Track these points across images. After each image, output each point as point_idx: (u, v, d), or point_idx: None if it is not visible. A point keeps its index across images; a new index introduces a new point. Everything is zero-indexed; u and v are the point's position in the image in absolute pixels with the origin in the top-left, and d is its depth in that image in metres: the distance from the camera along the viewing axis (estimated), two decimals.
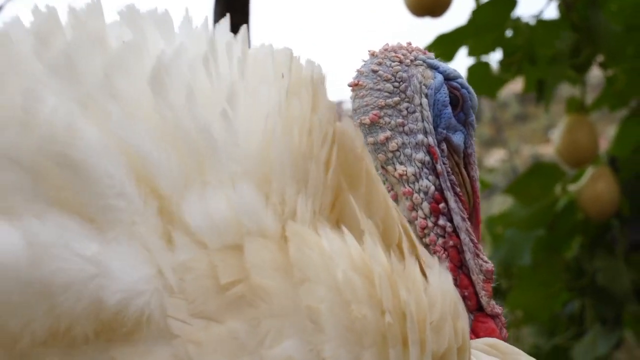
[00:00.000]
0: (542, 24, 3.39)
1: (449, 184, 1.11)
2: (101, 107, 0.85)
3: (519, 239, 3.69)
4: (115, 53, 0.89)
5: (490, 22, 3.39)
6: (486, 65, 3.54)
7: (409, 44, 1.17)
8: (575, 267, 3.75)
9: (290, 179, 0.90)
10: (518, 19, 3.41)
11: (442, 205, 1.10)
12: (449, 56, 3.42)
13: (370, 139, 1.11)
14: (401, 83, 1.12)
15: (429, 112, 1.12)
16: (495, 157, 10.41)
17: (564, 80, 3.56)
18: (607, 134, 5.98)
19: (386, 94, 1.12)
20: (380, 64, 1.13)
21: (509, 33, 3.44)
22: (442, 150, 1.12)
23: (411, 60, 1.14)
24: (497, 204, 7.05)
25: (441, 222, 1.10)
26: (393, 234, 0.94)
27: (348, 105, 1.16)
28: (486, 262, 1.11)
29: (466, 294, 1.10)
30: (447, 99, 1.14)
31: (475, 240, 1.10)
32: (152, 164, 0.85)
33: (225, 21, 0.99)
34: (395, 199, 1.12)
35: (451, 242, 1.10)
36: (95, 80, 0.86)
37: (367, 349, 0.85)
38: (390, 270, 0.89)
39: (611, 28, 3.29)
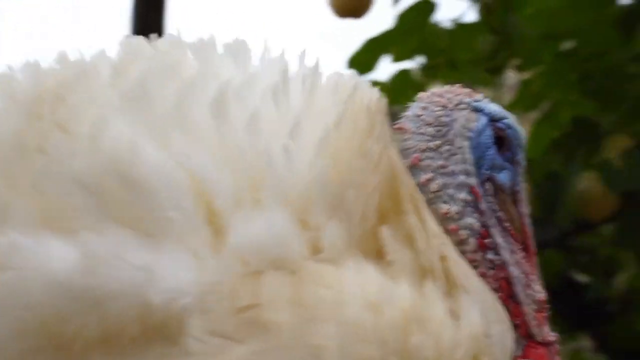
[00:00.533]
0: (461, 27, 3.48)
1: (494, 221, 1.14)
2: (167, 131, 0.92)
3: None
4: (187, 81, 0.96)
5: (413, 27, 3.46)
6: (407, 72, 3.60)
7: (459, 86, 1.22)
8: None
9: (326, 208, 0.94)
10: (437, 24, 3.49)
11: (488, 240, 1.13)
12: (372, 62, 3.48)
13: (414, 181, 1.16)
14: (443, 127, 1.16)
15: (470, 155, 1.16)
16: None
17: (480, 83, 3.65)
18: None
19: (428, 137, 1.16)
20: (424, 108, 1.18)
21: (430, 38, 3.51)
22: (487, 190, 1.16)
23: (455, 105, 1.18)
24: None
25: (489, 256, 1.13)
26: (431, 267, 0.97)
27: None
28: (539, 292, 1.15)
29: (517, 322, 1.13)
30: (491, 140, 1.18)
31: (528, 272, 1.15)
32: (208, 180, 0.92)
33: (305, 54, 1.07)
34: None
35: (501, 275, 1.13)
36: (165, 106, 0.94)
37: None
38: (409, 310, 0.92)
39: (527, 32, 3.40)
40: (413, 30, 3.47)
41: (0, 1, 4.84)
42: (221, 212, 0.91)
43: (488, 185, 1.17)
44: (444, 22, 3.51)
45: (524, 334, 1.13)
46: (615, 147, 3.70)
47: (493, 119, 1.19)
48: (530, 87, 3.62)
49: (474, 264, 1.12)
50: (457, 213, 1.13)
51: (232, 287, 0.89)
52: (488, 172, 1.17)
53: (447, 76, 3.52)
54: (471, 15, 4.00)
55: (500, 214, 1.16)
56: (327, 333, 0.88)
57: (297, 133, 0.95)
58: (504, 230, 1.15)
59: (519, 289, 1.13)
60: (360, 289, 0.91)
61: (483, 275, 1.12)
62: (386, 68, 3.94)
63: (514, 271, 1.13)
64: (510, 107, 3.71)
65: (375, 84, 1.17)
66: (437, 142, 1.15)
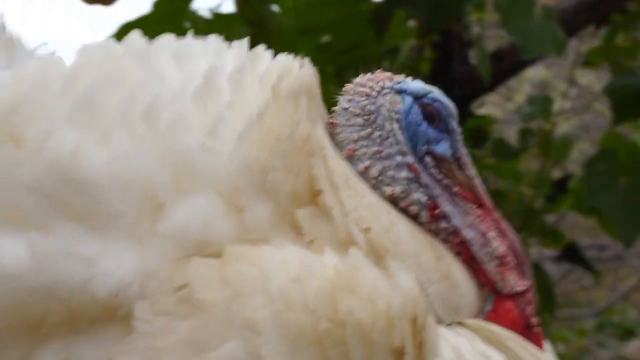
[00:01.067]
0: (218, 17, 3.45)
1: (439, 191, 1.21)
2: (109, 134, 1.04)
3: None
4: (129, 89, 1.07)
5: (171, 14, 3.39)
6: None
7: (380, 72, 1.27)
8: None
9: (251, 191, 1.04)
10: (195, 12, 3.44)
11: (438, 211, 1.20)
12: None
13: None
14: (370, 115, 1.22)
15: (402, 135, 1.22)
16: None
17: None
18: None
19: (358, 127, 1.21)
20: (350, 100, 1.23)
21: (188, 25, 3.45)
22: (427, 163, 1.22)
23: (378, 91, 1.24)
24: None
25: (442, 224, 1.20)
26: (351, 238, 1.07)
27: None
28: (499, 247, 1.20)
29: (483, 281, 1.19)
30: (420, 117, 1.24)
31: (484, 230, 1.21)
32: (145, 175, 1.03)
33: (244, 43, 1.23)
34: None
35: (457, 240, 1.20)
36: (109, 114, 1.05)
37: (303, 350, 0.97)
38: (334, 278, 1.01)
39: (284, 24, 3.42)
40: (172, 17, 3.39)
41: None
42: (158, 203, 1.02)
43: (428, 159, 1.23)
44: (202, 10, 3.48)
45: (492, 291, 1.19)
46: None
47: (417, 97, 1.25)
48: None
49: (433, 234, 1.19)
50: (402, 192, 1.19)
51: (169, 271, 1.00)
52: (425, 147, 1.23)
53: None
54: (229, 5, 3.99)
55: (447, 182, 1.22)
56: (256, 305, 0.98)
57: (219, 128, 1.06)
58: (453, 196, 1.22)
59: (475, 249, 1.19)
60: (282, 264, 1.01)
61: (444, 243, 1.19)
62: None
63: (468, 234, 1.20)
64: None
65: None
66: (368, 130, 1.21)
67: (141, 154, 1.03)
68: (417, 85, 1.26)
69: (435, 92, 1.26)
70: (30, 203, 1.01)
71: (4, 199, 1.01)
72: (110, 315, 1.00)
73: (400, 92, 1.24)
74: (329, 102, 1.25)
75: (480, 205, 1.24)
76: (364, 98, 1.22)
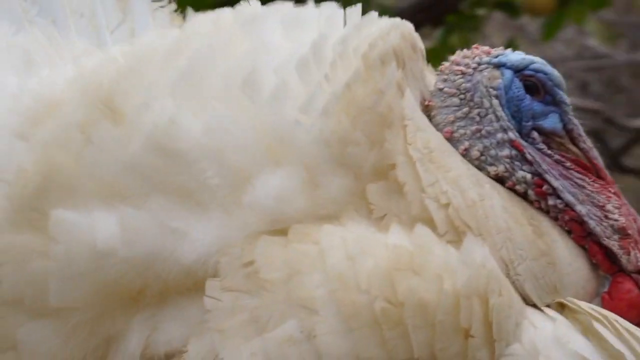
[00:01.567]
0: None
1: (546, 167, 1.16)
2: (207, 105, 1.04)
3: None
4: (233, 59, 1.07)
5: None
6: None
7: (476, 48, 1.22)
8: None
9: (330, 166, 1.03)
10: None
11: (545, 187, 1.15)
12: None
13: None
14: (467, 93, 1.17)
15: (502, 111, 1.17)
16: None
17: None
18: None
19: (454, 108, 1.17)
20: (445, 80, 1.19)
21: None
22: (534, 139, 1.17)
23: (474, 68, 1.19)
24: None
25: (551, 202, 1.15)
26: (425, 215, 1.04)
27: None
28: (620, 219, 1.15)
29: (597, 260, 1.14)
30: (522, 91, 1.18)
31: (603, 203, 1.16)
32: (237, 147, 1.03)
33: (357, 9, 1.16)
34: None
35: (567, 217, 1.15)
36: (211, 84, 1.05)
37: (358, 330, 0.96)
38: (391, 257, 0.99)
39: None
40: None
41: None
42: (246, 176, 1.02)
43: (535, 134, 1.18)
44: None
45: (608, 271, 1.14)
46: None
47: (518, 69, 1.19)
48: None
49: (544, 212, 1.14)
50: (505, 171, 1.15)
51: (241, 247, 1.02)
52: (531, 122, 1.18)
53: None
54: None
55: (558, 157, 1.17)
56: (313, 284, 0.99)
57: (313, 101, 1.05)
58: (567, 170, 1.17)
59: (592, 224, 1.14)
60: (342, 242, 1.00)
61: (554, 220, 1.14)
62: None
63: (582, 209, 1.15)
64: None
65: None
66: (465, 109, 1.16)
67: (238, 125, 1.03)
68: (516, 56, 1.21)
69: (538, 63, 1.21)
70: (127, 180, 1.02)
71: (101, 177, 1.02)
72: (197, 287, 1.02)
73: (499, 66, 1.19)
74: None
75: (599, 177, 1.19)
76: (459, 76, 1.18)
